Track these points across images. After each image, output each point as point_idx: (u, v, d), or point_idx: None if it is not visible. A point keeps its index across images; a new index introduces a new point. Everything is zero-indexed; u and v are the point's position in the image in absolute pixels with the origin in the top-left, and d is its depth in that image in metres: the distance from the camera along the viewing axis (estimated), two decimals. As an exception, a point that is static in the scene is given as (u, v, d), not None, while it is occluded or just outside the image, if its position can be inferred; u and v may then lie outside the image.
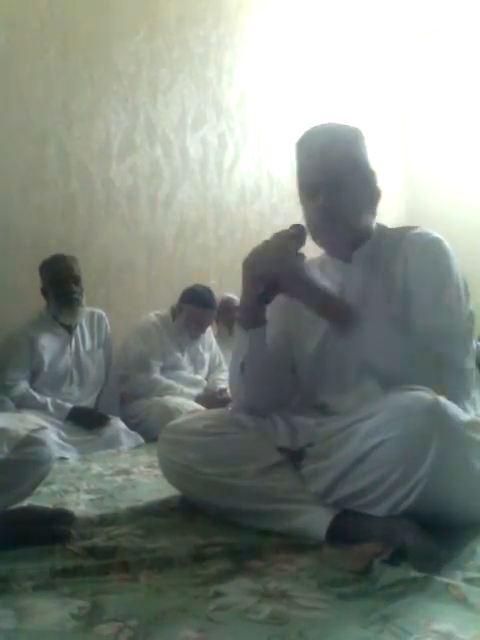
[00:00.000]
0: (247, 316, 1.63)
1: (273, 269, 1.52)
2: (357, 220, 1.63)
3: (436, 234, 1.62)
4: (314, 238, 1.65)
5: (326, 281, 1.71)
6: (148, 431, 3.13)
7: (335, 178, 1.60)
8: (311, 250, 1.68)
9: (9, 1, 3.54)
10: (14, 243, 3.52)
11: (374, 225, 1.69)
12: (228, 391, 3.48)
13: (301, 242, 1.60)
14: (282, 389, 1.72)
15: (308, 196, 1.66)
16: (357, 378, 1.57)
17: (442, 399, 1.33)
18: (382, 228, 1.70)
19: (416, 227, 1.67)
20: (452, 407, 1.34)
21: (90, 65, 3.90)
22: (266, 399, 1.69)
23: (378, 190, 1.68)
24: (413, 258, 1.58)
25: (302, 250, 1.60)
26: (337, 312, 1.53)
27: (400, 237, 1.64)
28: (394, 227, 1.72)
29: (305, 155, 1.66)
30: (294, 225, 1.62)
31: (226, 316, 4.05)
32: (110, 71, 4.02)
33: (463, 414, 1.36)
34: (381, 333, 1.52)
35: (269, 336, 1.68)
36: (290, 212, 4.87)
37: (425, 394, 1.35)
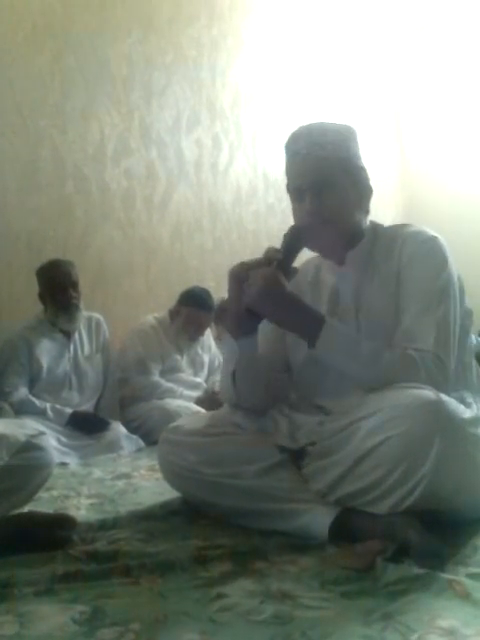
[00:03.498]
0: (236, 326, 1.62)
1: (256, 298, 1.50)
2: (346, 222, 1.60)
3: (431, 233, 1.60)
4: (304, 242, 1.62)
5: (321, 284, 1.71)
6: (148, 434, 3.12)
7: (320, 181, 1.58)
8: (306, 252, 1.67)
9: (1, 3, 3.53)
10: (10, 247, 3.50)
11: (368, 224, 1.67)
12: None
13: (299, 245, 1.58)
14: (276, 390, 1.71)
15: (295, 199, 1.65)
16: (353, 382, 1.55)
17: (444, 397, 1.33)
18: (376, 227, 1.67)
19: (411, 225, 1.65)
20: (454, 404, 1.34)
21: (83, 68, 3.89)
22: (259, 402, 1.69)
23: (369, 188, 1.65)
24: (406, 258, 1.56)
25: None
26: (308, 331, 1.51)
27: (394, 236, 1.62)
28: (389, 225, 1.69)
29: (292, 157, 1.64)
30: (291, 227, 1.60)
31: (224, 318, 4.04)
32: (103, 73, 4.01)
33: (465, 411, 1.36)
34: (350, 343, 1.50)
35: (264, 334, 1.68)
36: (286, 212, 4.84)
37: (426, 392, 1.34)
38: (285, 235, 1.58)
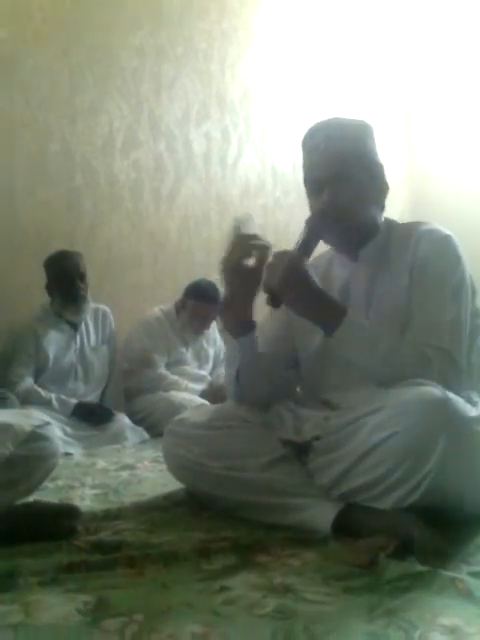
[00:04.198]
0: (233, 323, 1.63)
1: (280, 281, 1.46)
2: (362, 217, 1.61)
3: (445, 231, 1.59)
4: (323, 231, 1.61)
5: (332, 278, 1.70)
6: (153, 426, 3.14)
7: (338, 175, 1.58)
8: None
9: (12, -4, 3.53)
10: (18, 239, 3.52)
11: (382, 220, 1.67)
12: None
13: (323, 229, 1.57)
14: (280, 386, 1.72)
15: (312, 192, 1.64)
16: (360, 377, 1.55)
17: (450, 394, 1.33)
18: (391, 223, 1.67)
19: (425, 223, 1.64)
20: (460, 402, 1.34)
21: (93, 60, 3.89)
22: (263, 398, 1.70)
23: (386, 185, 1.66)
24: (420, 256, 1.56)
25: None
26: (329, 320, 1.49)
27: (409, 233, 1.61)
28: (404, 222, 1.68)
29: (309, 151, 1.64)
30: (312, 214, 1.59)
31: (223, 315, 4.07)
32: (113, 66, 4.00)
33: (471, 409, 1.36)
34: (368, 336, 1.49)
35: (271, 328, 1.68)
36: (293, 205, 4.87)
37: (433, 389, 1.34)
38: (307, 221, 1.57)
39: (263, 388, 1.69)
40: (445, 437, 1.27)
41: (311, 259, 1.74)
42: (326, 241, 1.66)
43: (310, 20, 5.17)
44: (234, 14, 4.67)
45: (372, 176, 1.63)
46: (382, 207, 1.67)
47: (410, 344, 1.48)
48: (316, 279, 1.54)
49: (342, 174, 1.58)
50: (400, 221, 1.73)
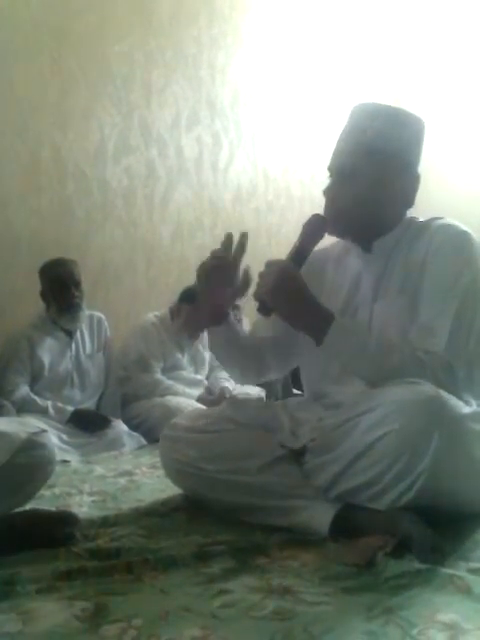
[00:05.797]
0: (196, 325, 1.69)
1: (270, 290, 1.46)
2: (362, 214, 1.57)
3: (463, 227, 1.56)
4: (324, 230, 1.60)
5: (346, 266, 1.69)
6: (150, 432, 3.13)
7: (345, 167, 1.58)
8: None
9: (1, 3, 3.53)
10: (11, 246, 3.51)
11: (406, 217, 1.63)
12: (229, 391, 3.53)
13: (320, 233, 1.57)
14: (257, 369, 1.80)
15: (329, 175, 1.64)
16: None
17: (443, 392, 1.33)
18: (411, 220, 1.64)
19: (444, 218, 1.61)
20: (452, 400, 1.34)
21: (83, 67, 3.89)
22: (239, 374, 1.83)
23: (410, 182, 1.61)
24: (433, 250, 1.53)
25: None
26: (317, 329, 1.48)
27: (426, 228, 1.59)
28: (424, 219, 1.64)
29: (341, 132, 1.63)
30: (314, 215, 1.59)
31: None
32: (104, 73, 4.01)
33: (464, 407, 1.36)
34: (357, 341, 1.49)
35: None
36: (285, 209, 4.87)
37: (425, 387, 1.34)
38: (305, 224, 1.56)
39: (240, 369, 1.79)
40: (439, 435, 1.27)
41: (325, 246, 1.74)
42: (330, 233, 1.63)
43: (299, 24, 5.19)
44: (223, 19, 4.68)
45: (382, 175, 1.56)
46: (407, 203, 1.63)
47: (405, 347, 1.46)
48: (316, 267, 1.54)
49: (348, 169, 1.57)
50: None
